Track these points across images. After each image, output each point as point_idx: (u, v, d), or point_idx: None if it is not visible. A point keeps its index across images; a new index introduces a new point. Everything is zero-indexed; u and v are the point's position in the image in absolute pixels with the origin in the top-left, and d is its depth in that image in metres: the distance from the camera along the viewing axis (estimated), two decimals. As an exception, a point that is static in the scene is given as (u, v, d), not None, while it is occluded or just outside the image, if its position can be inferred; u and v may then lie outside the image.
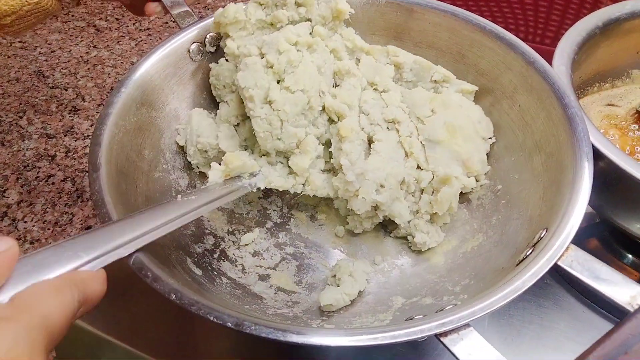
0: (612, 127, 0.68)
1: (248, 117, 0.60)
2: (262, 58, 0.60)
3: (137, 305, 0.62)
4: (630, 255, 0.67)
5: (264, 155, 0.62)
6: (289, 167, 0.61)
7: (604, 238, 0.69)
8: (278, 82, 0.59)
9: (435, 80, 0.68)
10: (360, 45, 0.67)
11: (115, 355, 0.61)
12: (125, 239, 0.43)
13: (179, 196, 0.52)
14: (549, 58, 0.65)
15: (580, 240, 0.48)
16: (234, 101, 0.64)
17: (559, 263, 0.46)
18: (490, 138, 0.65)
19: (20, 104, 1.10)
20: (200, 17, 0.67)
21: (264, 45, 0.61)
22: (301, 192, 0.61)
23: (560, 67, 0.63)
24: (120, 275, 0.43)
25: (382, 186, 0.58)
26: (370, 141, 0.62)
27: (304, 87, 0.58)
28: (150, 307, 0.61)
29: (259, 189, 0.60)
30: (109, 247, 0.41)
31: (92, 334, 0.60)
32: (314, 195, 0.61)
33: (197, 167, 0.65)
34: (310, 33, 0.64)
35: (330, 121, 0.62)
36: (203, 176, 0.65)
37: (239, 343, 0.60)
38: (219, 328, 0.42)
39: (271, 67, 0.59)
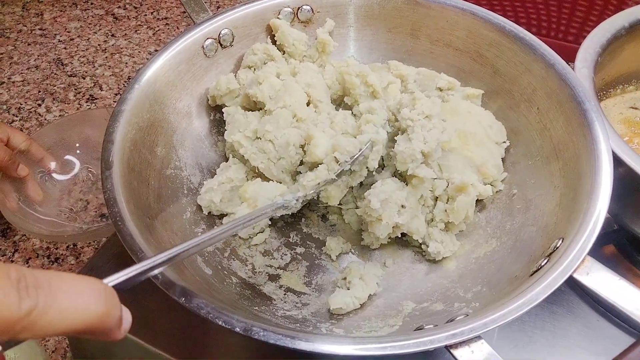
0: (638, 135, 0.66)
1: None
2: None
3: (148, 299, 0.62)
4: (648, 264, 0.66)
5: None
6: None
7: (622, 245, 0.67)
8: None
9: (440, 88, 0.67)
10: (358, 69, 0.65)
11: (126, 348, 0.61)
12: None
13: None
14: (570, 56, 0.63)
15: (597, 246, 0.46)
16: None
17: (575, 275, 0.46)
18: (504, 142, 0.64)
19: (39, 91, 1.11)
20: (215, 13, 0.67)
21: (247, 86, 0.63)
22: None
23: (582, 70, 0.61)
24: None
25: (402, 207, 0.57)
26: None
27: (285, 104, 0.60)
28: (161, 302, 0.61)
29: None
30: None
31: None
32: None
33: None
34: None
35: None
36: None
37: (247, 338, 0.60)
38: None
39: (254, 101, 0.62)
